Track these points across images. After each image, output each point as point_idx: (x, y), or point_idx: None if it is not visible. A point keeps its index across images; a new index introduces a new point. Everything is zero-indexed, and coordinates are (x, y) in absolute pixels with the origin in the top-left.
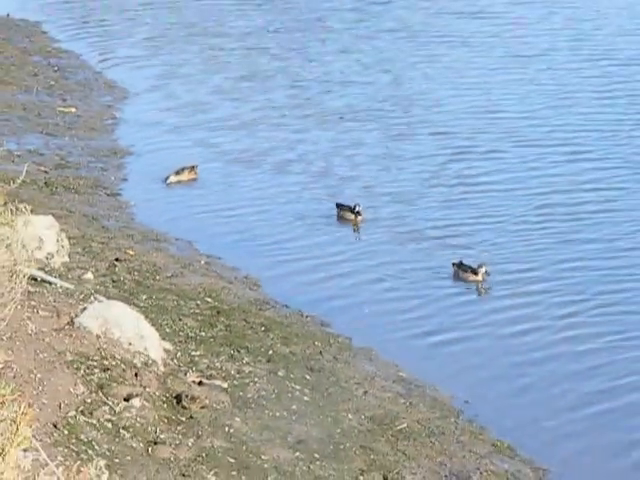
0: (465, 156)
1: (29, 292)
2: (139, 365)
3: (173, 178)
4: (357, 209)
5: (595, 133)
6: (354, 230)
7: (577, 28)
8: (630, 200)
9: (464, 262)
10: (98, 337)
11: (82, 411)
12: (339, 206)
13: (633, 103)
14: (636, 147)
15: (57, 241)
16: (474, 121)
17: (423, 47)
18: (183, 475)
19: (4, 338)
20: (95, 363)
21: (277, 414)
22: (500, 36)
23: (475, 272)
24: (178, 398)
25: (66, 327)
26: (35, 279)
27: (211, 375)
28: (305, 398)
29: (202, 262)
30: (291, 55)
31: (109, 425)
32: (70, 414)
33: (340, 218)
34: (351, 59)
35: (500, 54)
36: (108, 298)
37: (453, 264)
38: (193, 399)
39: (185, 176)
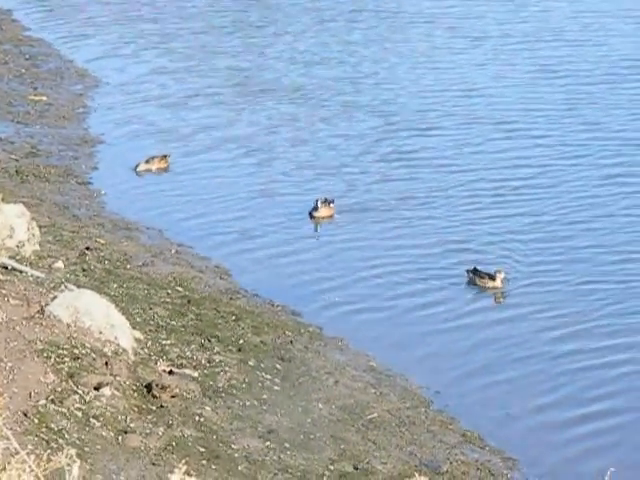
0: (406, 133)
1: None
2: (109, 354)
3: (143, 166)
4: (325, 203)
5: (537, 112)
6: (316, 227)
7: (528, 10)
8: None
9: (478, 268)
10: (68, 326)
11: (52, 400)
12: None
13: (579, 83)
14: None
15: (28, 230)
16: (418, 99)
17: (374, 28)
18: (153, 464)
19: None
20: (65, 352)
21: (247, 403)
22: (450, 16)
23: (493, 278)
24: (148, 387)
25: (36, 316)
26: (5, 267)
27: (181, 364)
28: (275, 387)
29: (173, 251)
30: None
31: (79, 414)
32: (40, 403)
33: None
34: (305, 39)
35: (450, 35)
36: (79, 287)
37: (467, 271)
38: (163, 388)
39: (155, 165)
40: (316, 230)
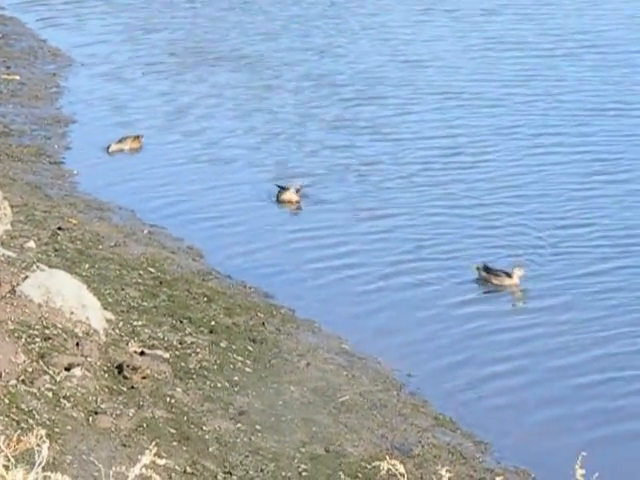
0: (375, 101)
1: None
2: (80, 335)
3: (114, 146)
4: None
5: (489, 83)
6: (291, 211)
7: None
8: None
9: (489, 265)
10: (40, 306)
11: (23, 380)
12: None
13: (531, 55)
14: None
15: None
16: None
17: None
18: (124, 445)
19: None
20: (36, 332)
21: (219, 385)
22: None
23: (509, 275)
24: (119, 368)
25: (7, 296)
26: None
27: (153, 345)
28: (247, 369)
29: (145, 232)
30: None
31: (50, 394)
32: (11, 383)
33: None
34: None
35: (405, 8)
36: (50, 267)
37: (477, 268)
38: (134, 369)
39: (128, 145)
40: (289, 212)
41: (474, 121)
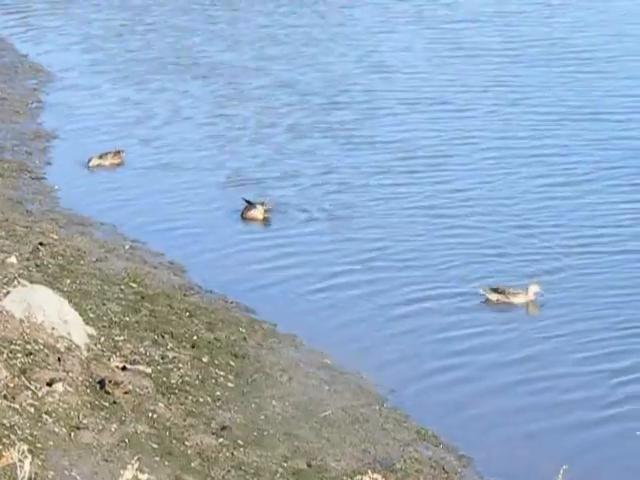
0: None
1: None
2: (62, 350)
3: (95, 161)
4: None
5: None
6: (264, 225)
7: None
8: None
9: (499, 286)
10: (21, 321)
11: (5, 395)
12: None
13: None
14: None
15: None
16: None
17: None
18: (106, 460)
19: None
20: (18, 347)
21: (201, 400)
22: None
23: (524, 292)
24: (101, 383)
25: None
26: None
27: (135, 360)
28: (229, 384)
29: (127, 247)
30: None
31: (31, 410)
32: None
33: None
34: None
35: (373, 16)
36: (32, 282)
37: (488, 290)
38: (116, 384)
39: (108, 160)
40: (269, 227)
41: (439, 127)
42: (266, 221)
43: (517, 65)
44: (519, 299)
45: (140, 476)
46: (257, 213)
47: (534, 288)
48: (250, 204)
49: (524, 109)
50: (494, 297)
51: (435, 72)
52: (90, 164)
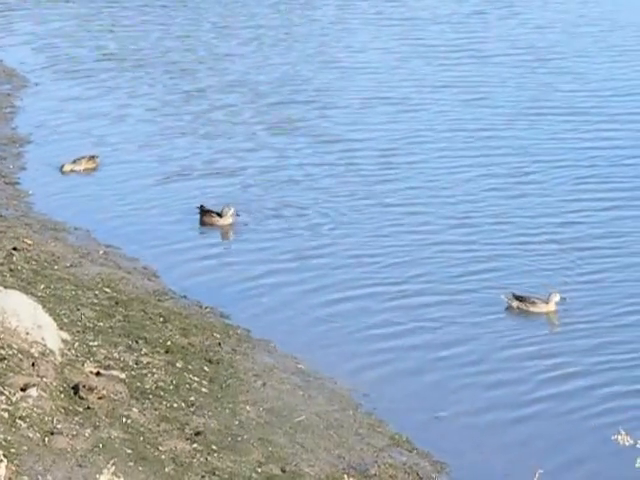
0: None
1: None
2: (36, 355)
3: (68, 167)
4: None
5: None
6: (224, 235)
7: None
8: None
9: (521, 293)
10: None
11: None
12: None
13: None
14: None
15: None
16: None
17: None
18: (80, 465)
19: None
20: None
21: (175, 405)
22: None
23: (546, 301)
24: (75, 388)
25: None
26: None
27: (109, 365)
28: (203, 390)
29: (101, 252)
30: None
31: (5, 415)
32: None
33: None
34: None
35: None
36: (5, 287)
37: (510, 296)
38: (90, 389)
39: (82, 165)
40: (243, 233)
41: (391, 124)
42: (233, 226)
43: (476, 64)
44: (540, 308)
45: None
46: (223, 220)
47: (555, 297)
48: (207, 212)
49: (478, 107)
50: (515, 304)
51: (392, 70)
52: (63, 170)
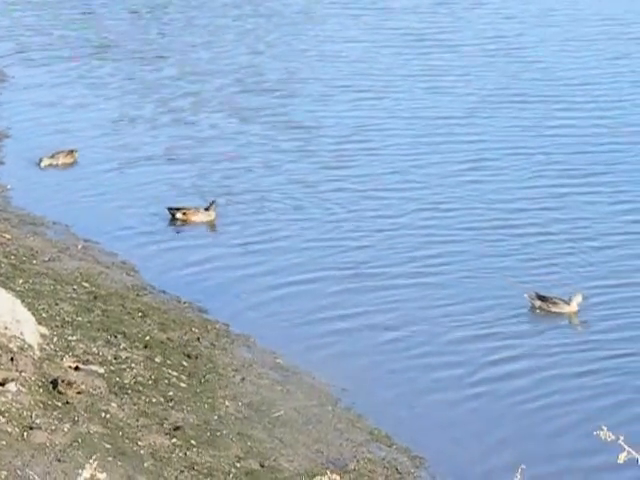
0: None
1: None
2: (15, 350)
3: (46, 161)
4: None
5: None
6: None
7: None
8: None
9: (544, 293)
10: None
11: None
12: None
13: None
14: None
15: None
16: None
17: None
18: (59, 460)
19: None
20: None
21: (154, 400)
22: None
23: (568, 302)
24: (54, 383)
25: None
26: None
27: (87, 360)
28: (182, 384)
29: (79, 246)
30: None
31: None
32: None
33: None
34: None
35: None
36: None
37: (532, 296)
38: (69, 384)
39: (60, 160)
40: (221, 227)
41: (365, 112)
42: (214, 221)
43: (441, 53)
44: (562, 309)
45: (99, 475)
46: (206, 216)
47: (578, 299)
48: (177, 209)
49: (442, 95)
50: (537, 304)
51: (357, 59)
52: (42, 164)
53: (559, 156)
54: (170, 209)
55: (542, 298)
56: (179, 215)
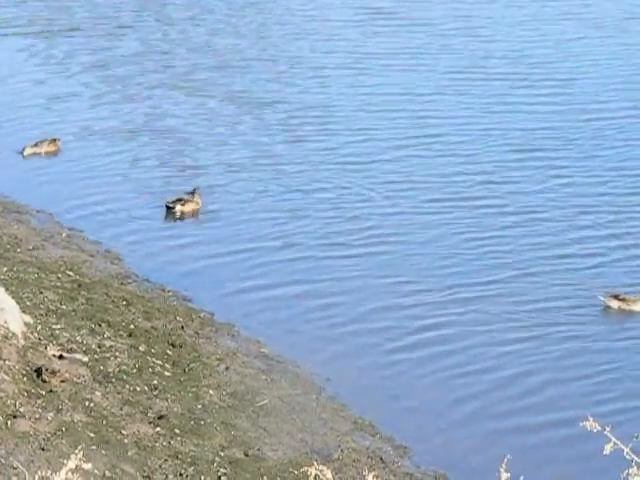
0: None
1: None
2: None
3: (29, 150)
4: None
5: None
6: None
7: None
8: None
9: (619, 293)
10: None
11: None
12: None
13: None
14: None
15: None
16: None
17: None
18: (42, 449)
19: None
20: None
21: (138, 389)
22: None
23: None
24: (38, 371)
25: None
26: None
27: (72, 349)
28: (166, 373)
29: (63, 235)
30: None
31: None
32: None
33: None
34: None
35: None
36: None
37: (609, 297)
38: (53, 373)
39: (44, 148)
40: (202, 214)
41: (331, 90)
42: (199, 208)
43: (411, 32)
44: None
45: (84, 465)
46: (195, 205)
47: None
48: (178, 200)
49: (411, 74)
50: (615, 304)
51: (357, 40)
52: (24, 153)
53: (530, 138)
54: (168, 205)
55: (618, 297)
56: (178, 207)
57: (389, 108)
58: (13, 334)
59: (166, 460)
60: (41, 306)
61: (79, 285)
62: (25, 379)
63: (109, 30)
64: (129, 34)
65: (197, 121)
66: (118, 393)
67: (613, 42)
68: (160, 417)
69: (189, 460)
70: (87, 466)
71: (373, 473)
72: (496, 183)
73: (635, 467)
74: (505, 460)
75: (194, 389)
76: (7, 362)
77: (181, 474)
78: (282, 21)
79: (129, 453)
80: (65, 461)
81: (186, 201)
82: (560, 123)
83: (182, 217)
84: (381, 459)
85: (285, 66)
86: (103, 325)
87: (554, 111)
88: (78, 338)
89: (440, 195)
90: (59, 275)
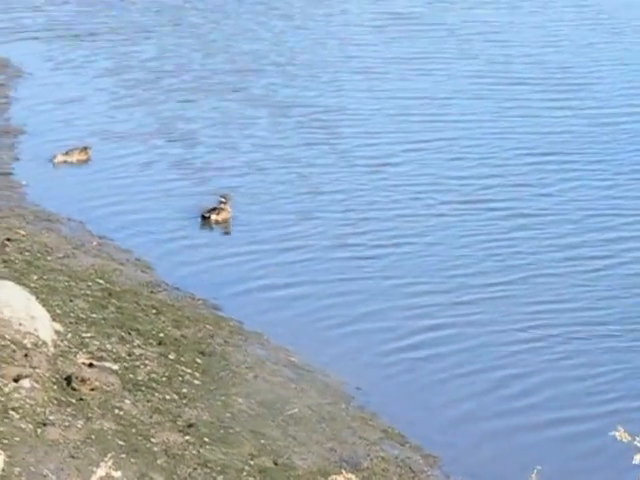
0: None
1: None
2: (29, 346)
3: (60, 158)
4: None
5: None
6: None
7: None
8: None
9: None
10: None
11: None
12: None
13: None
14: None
15: None
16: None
17: None
18: (72, 457)
19: None
20: None
21: (167, 397)
22: None
23: None
24: (68, 379)
25: None
26: None
27: (101, 357)
28: (196, 382)
29: (94, 243)
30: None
31: None
32: None
33: None
34: None
35: None
36: None
37: None
38: (83, 381)
39: (74, 157)
40: (234, 222)
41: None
42: (230, 216)
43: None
44: None
45: (113, 473)
46: (226, 213)
47: None
48: (213, 210)
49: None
50: None
51: (375, 44)
52: (55, 161)
53: (544, 140)
54: (204, 215)
55: None
56: (213, 216)
57: (405, 112)
58: (43, 342)
59: (195, 468)
60: (71, 314)
61: (109, 293)
62: (55, 387)
63: (129, 35)
64: (150, 38)
65: (226, 127)
66: (148, 401)
67: (630, 48)
68: (189, 425)
69: (218, 469)
70: (117, 474)
71: None
72: (509, 186)
73: None
74: (535, 471)
75: (223, 397)
76: (37, 370)
77: None
78: (302, 26)
79: (158, 461)
80: (95, 469)
81: (220, 210)
82: (575, 127)
83: (215, 225)
84: (410, 468)
85: (302, 70)
86: (133, 333)
87: (570, 115)
88: (108, 346)
89: (452, 198)
90: (89, 283)
